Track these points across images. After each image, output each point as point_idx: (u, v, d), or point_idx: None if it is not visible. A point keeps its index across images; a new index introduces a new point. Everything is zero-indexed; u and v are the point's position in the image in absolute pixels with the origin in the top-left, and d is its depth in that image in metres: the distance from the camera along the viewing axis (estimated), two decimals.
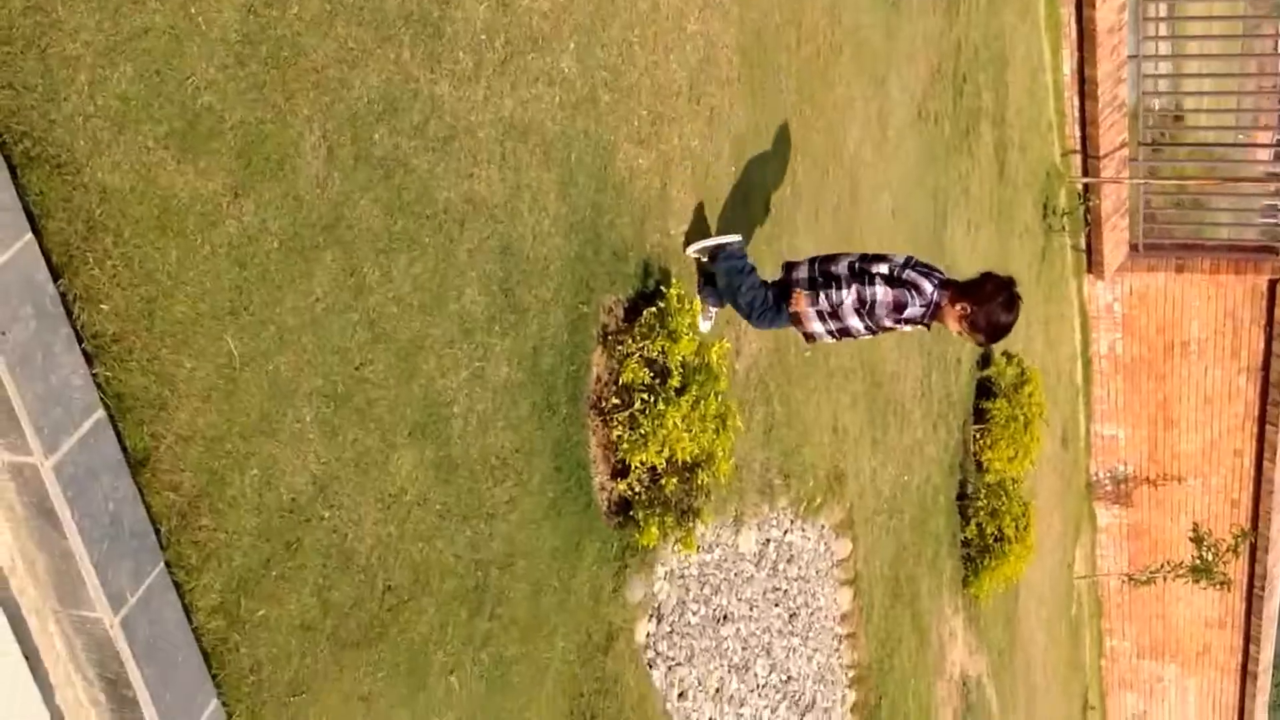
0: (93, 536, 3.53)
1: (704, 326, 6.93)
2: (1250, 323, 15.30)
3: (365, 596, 4.74)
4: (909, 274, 6.49)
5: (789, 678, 8.22)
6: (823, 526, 8.64)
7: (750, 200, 7.48)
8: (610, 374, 6.17)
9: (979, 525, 11.11)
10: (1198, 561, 15.72)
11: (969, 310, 6.38)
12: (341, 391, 4.53)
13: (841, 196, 8.79)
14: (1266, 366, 15.52)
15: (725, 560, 7.37)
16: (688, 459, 6.22)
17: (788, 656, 8.19)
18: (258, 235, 4.10)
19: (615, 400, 6.10)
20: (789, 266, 6.81)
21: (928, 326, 6.64)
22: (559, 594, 5.88)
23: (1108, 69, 14.20)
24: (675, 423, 6.07)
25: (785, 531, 8.12)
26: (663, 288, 6.25)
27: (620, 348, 6.11)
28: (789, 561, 8.16)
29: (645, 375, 6.08)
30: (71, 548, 3.49)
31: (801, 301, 6.61)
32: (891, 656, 9.67)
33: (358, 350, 4.59)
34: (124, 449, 3.69)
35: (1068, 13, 13.75)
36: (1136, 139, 14.99)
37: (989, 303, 6.38)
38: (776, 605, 8.01)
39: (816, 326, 6.67)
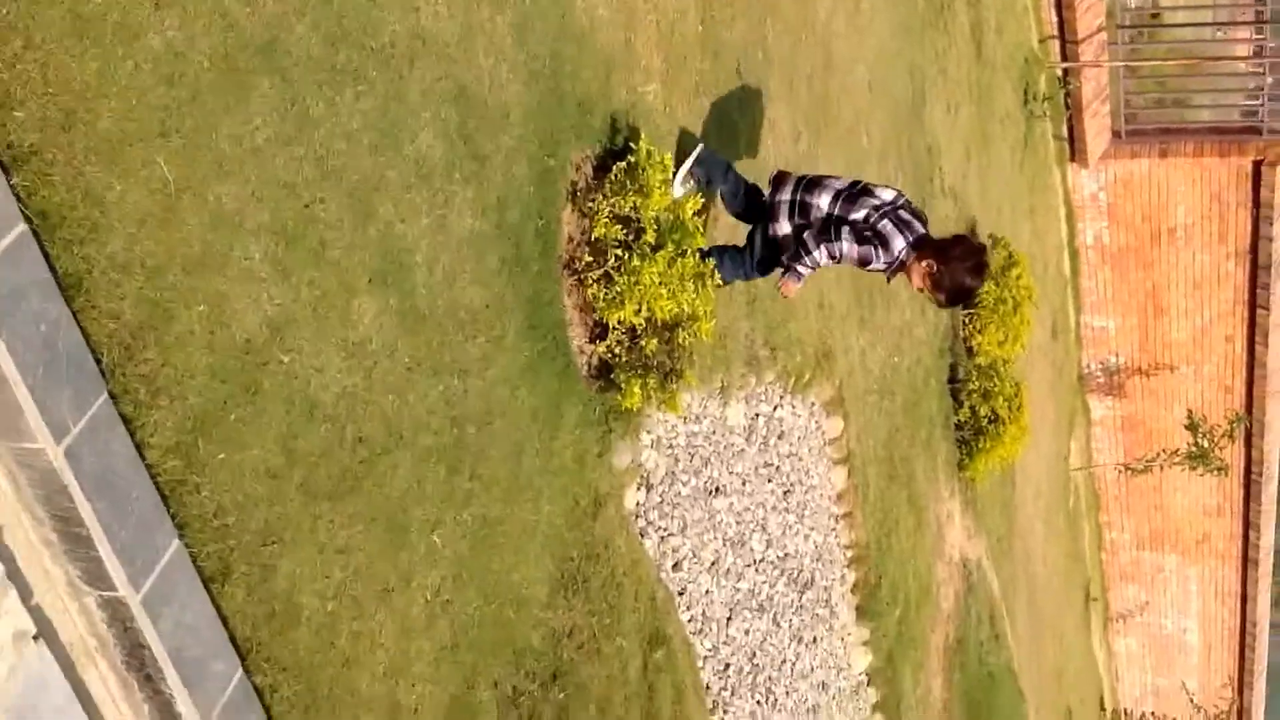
0: (25, 360, 3.28)
1: (677, 191, 6.66)
2: (1237, 205, 15.02)
3: (334, 447, 4.50)
4: (884, 225, 6.28)
5: (786, 554, 8.01)
6: (813, 404, 8.41)
7: (720, 61, 7.21)
8: (582, 233, 5.92)
9: (972, 408, 10.89)
10: (1193, 448, 15.51)
11: (934, 269, 6.24)
12: (292, 229, 4.28)
13: (815, 66, 8.52)
14: (1255, 249, 15.26)
15: (714, 432, 7.14)
16: (667, 318, 5.98)
17: (784, 533, 7.98)
18: (185, 52, 3.84)
19: (589, 258, 5.85)
20: (777, 183, 6.58)
21: (889, 279, 6.49)
22: (541, 456, 5.64)
23: None
24: (652, 279, 5.82)
25: (775, 407, 7.89)
26: (632, 144, 5.98)
27: (591, 205, 5.85)
28: (780, 438, 7.94)
29: (618, 231, 5.83)
30: (4, 371, 3.24)
31: (789, 286, 6.58)
32: (889, 537, 9.46)
33: (306, 187, 4.34)
34: (53, 270, 3.43)
35: None
36: (1115, 23, 14.69)
37: (956, 264, 6.24)
38: (769, 481, 7.79)
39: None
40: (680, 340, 6.04)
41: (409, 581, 4.87)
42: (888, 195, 6.41)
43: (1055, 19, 14.17)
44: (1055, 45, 14.32)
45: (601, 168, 6.01)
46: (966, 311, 11.35)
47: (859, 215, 6.31)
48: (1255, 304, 15.58)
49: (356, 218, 4.57)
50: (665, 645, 6.35)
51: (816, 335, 8.36)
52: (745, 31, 7.52)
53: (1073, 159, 15.07)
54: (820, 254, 6.38)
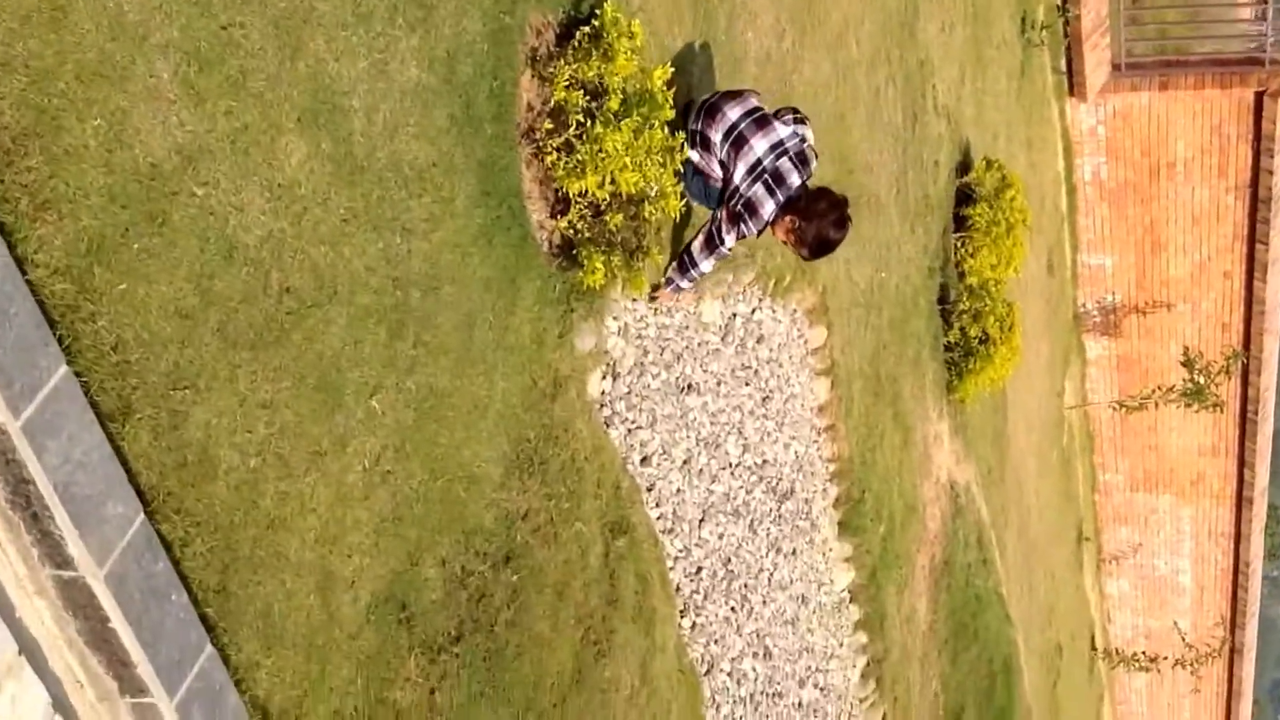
0: None
1: (685, 285, 6.44)
2: (1237, 139, 14.54)
3: (258, 294, 4.11)
4: (755, 190, 6.07)
5: (764, 461, 7.62)
6: (794, 311, 8.00)
7: None
8: (542, 103, 5.51)
9: (962, 329, 10.47)
10: (1189, 385, 15.08)
11: (796, 224, 6.15)
12: (206, 52, 3.88)
13: None
14: (1255, 183, 14.79)
15: (687, 327, 6.74)
16: (632, 191, 5.57)
17: (761, 439, 7.58)
18: None
19: (548, 125, 5.44)
20: (687, 108, 6.31)
21: (757, 234, 6.27)
22: (495, 330, 5.25)
23: None
24: (616, 149, 5.41)
25: (753, 309, 7.49)
26: (597, 10, 5.57)
27: (551, 71, 5.44)
28: (759, 342, 7.54)
29: (580, 97, 5.42)
30: None
31: (665, 295, 6.44)
32: (873, 452, 9.07)
33: (223, 7, 3.93)
34: None
35: None
36: None
37: (819, 219, 6.15)
38: (746, 385, 7.39)
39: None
40: (646, 215, 5.64)
41: (344, 446, 4.49)
42: (783, 132, 6.16)
43: None
44: None
45: (565, 37, 5.59)
46: (958, 235, 10.93)
47: (742, 169, 6.07)
48: (1255, 239, 15.13)
49: (283, 50, 4.17)
50: (628, 534, 5.97)
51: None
52: None
53: (1071, 93, 14.59)
54: (707, 265, 6.24)
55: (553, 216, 5.61)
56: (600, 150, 5.40)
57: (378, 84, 4.58)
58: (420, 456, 4.86)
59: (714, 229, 6.12)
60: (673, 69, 5.86)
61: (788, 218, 6.14)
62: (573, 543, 5.62)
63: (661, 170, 5.70)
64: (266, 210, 4.13)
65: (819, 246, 6.25)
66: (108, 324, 3.58)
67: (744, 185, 6.06)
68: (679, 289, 6.36)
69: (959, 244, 10.87)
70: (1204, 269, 15.57)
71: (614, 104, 5.44)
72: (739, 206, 6.06)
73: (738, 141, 6.07)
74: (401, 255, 4.73)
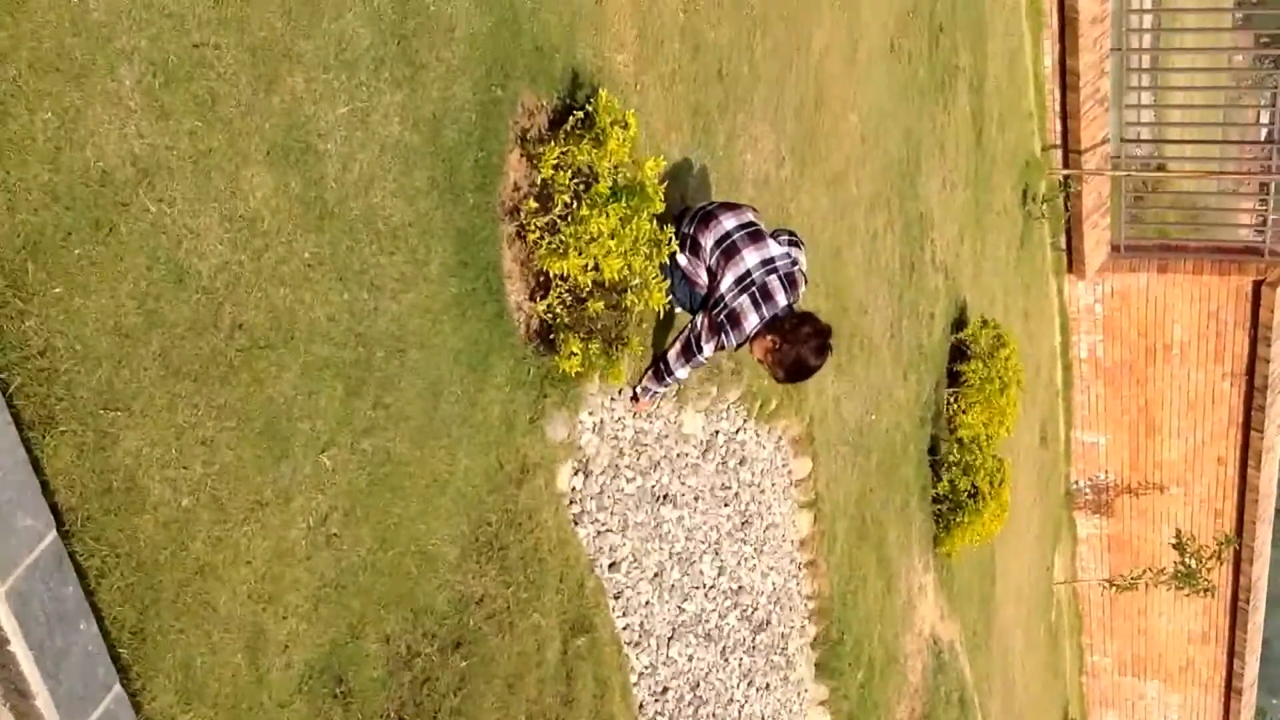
0: None
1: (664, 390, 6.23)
2: (1234, 325, 14.38)
3: (207, 325, 3.86)
4: (741, 303, 5.82)
5: (740, 587, 7.27)
6: (779, 438, 7.73)
7: (701, 58, 6.66)
8: (529, 184, 5.32)
9: (951, 481, 10.17)
10: (1181, 567, 14.69)
11: (777, 344, 5.84)
12: (175, 67, 3.69)
13: (805, 98, 7.97)
14: (1251, 370, 14.59)
15: (666, 436, 6.46)
16: (615, 279, 5.35)
17: (739, 564, 7.25)
18: None
19: (533, 204, 5.24)
20: (681, 214, 6.07)
21: (736, 347, 6.02)
22: (462, 405, 4.98)
23: (1090, 60, 13.42)
24: (601, 232, 5.20)
25: (737, 430, 7.21)
26: (591, 100, 5.41)
27: (540, 152, 5.26)
28: (741, 463, 7.25)
29: (567, 178, 5.23)
30: None
31: (642, 404, 6.25)
32: (855, 594, 8.70)
33: (197, 25, 3.75)
34: None
35: (1050, 4, 13.02)
36: (1119, 134, 14.18)
37: (800, 343, 5.85)
38: (726, 505, 7.09)
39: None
40: (628, 304, 5.41)
41: (288, 500, 4.19)
42: (775, 250, 5.94)
43: (1059, 127, 13.69)
44: (1058, 154, 13.82)
45: (557, 123, 5.42)
46: (952, 390, 10.69)
47: (730, 279, 5.82)
48: (1249, 426, 14.88)
49: (258, 80, 3.98)
50: (590, 634, 5.62)
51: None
52: (731, 37, 6.98)
53: (1070, 270, 14.49)
54: (683, 372, 6.00)
55: (532, 299, 5.38)
56: (585, 232, 5.19)
57: (356, 133, 4.38)
58: (370, 524, 4.56)
59: (692, 337, 5.88)
60: (665, 163, 5.67)
61: (769, 337, 5.87)
62: (529, 635, 5.27)
63: (647, 262, 5.49)
64: (225, 240, 3.90)
65: (795, 370, 5.95)
66: (37, 325, 3.33)
67: (730, 295, 5.83)
68: (656, 395, 6.10)
69: (952, 399, 10.63)
70: (1198, 453, 15.29)
71: (602, 188, 5.25)
72: (722, 316, 5.82)
73: (729, 250, 5.86)
74: (367, 311, 4.49)
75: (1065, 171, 13.61)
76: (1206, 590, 14.66)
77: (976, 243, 11.45)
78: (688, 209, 6.13)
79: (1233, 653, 16.11)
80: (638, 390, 6.08)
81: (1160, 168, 16.86)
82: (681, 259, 5.89)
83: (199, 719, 3.86)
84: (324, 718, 4.34)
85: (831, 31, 8.33)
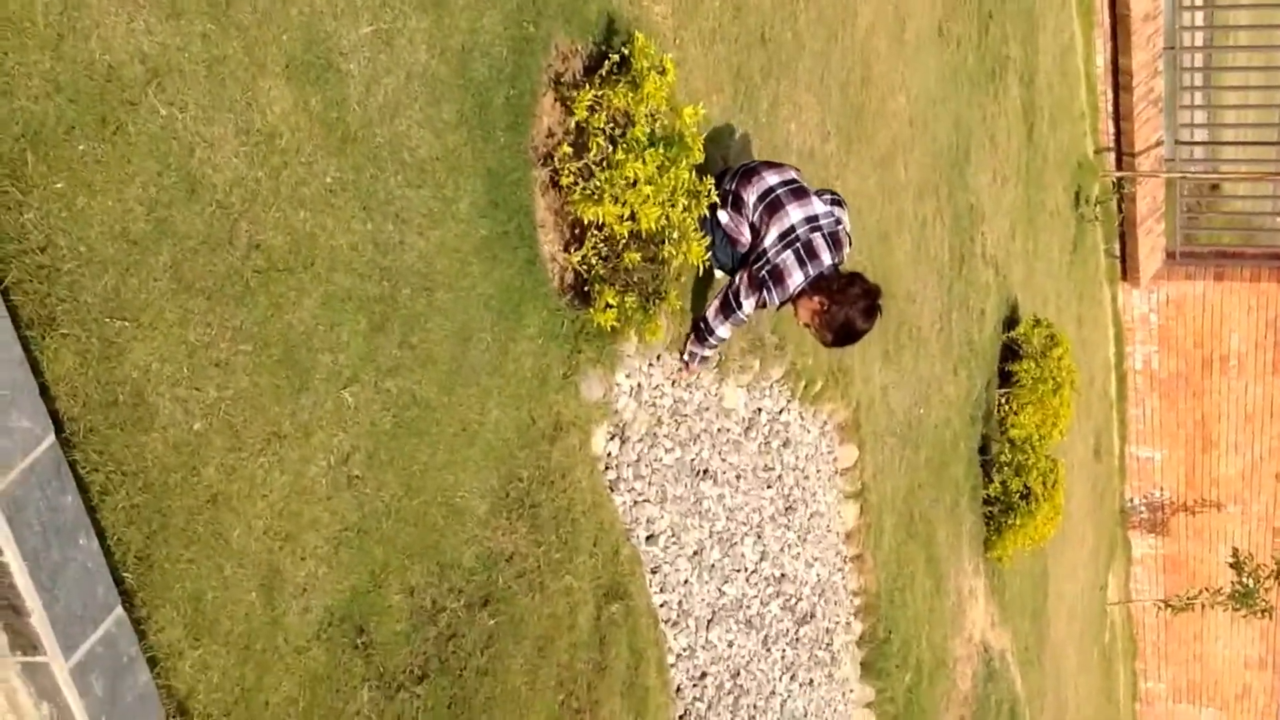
0: None
1: (718, 273, 6.05)
2: None
3: (222, 241, 3.70)
4: (785, 259, 5.61)
5: (783, 575, 7.05)
6: (825, 423, 7.51)
7: (743, 20, 6.49)
8: (564, 129, 5.15)
9: (1003, 483, 9.91)
10: (1238, 587, 14.31)
11: (825, 305, 5.63)
12: None
13: (852, 75, 7.79)
14: None
15: (708, 409, 6.26)
16: (653, 229, 5.17)
17: (782, 550, 7.03)
18: None
19: (567, 148, 5.07)
20: (722, 174, 5.86)
21: (778, 306, 5.78)
22: (492, 353, 4.80)
23: (1143, 59, 13.21)
24: (637, 177, 5.03)
25: (781, 410, 7.01)
26: (627, 45, 5.24)
27: (575, 95, 5.09)
28: (785, 445, 7.04)
29: (602, 120, 5.06)
30: None
31: (688, 371, 6.02)
32: (903, 593, 8.46)
33: None
34: None
35: (1101, 1, 12.81)
36: (1174, 137, 13.93)
37: (848, 305, 5.65)
38: (769, 487, 6.87)
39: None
40: (665, 256, 5.22)
41: (308, 435, 4.02)
42: (819, 208, 5.74)
43: (1113, 129, 13.46)
44: (1111, 158, 13.59)
45: (592, 69, 5.25)
46: (1003, 390, 10.44)
47: (774, 234, 5.62)
48: None
49: None
50: (624, 601, 5.41)
51: (832, 349, 7.48)
52: (774, 2, 6.81)
53: (1124, 277, 14.22)
54: (724, 330, 5.77)
55: (566, 250, 5.21)
56: (620, 178, 5.01)
57: (380, 56, 4.23)
58: (395, 469, 4.37)
59: (731, 293, 5.68)
60: (704, 114, 5.49)
61: (816, 298, 5.67)
62: (561, 597, 5.07)
63: (685, 214, 5.31)
64: (240, 154, 3.74)
65: (844, 333, 5.76)
66: (37, 219, 3.17)
67: (773, 251, 5.63)
68: (702, 360, 5.90)
69: (1004, 399, 10.38)
70: (1256, 469, 14.94)
71: (639, 132, 5.08)
72: (764, 272, 5.62)
73: (773, 205, 5.68)
74: (393, 244, 4.32)
75: (1119, 174, 13.37)
76: (1265, 611, 14.27)
77: (1029, 241, 11.22)
78: (729, 168, 5.95)
79: None
80: (685, 356, 5.89)
81: (1215, 171, 16.61)
82: (723, 216, 5.70)
83: (208, 656, 3.67)
84: (344, 669, 4.15)
85: (878, 8, 8.16)
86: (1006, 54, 10.57)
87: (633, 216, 5.14)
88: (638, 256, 5.19)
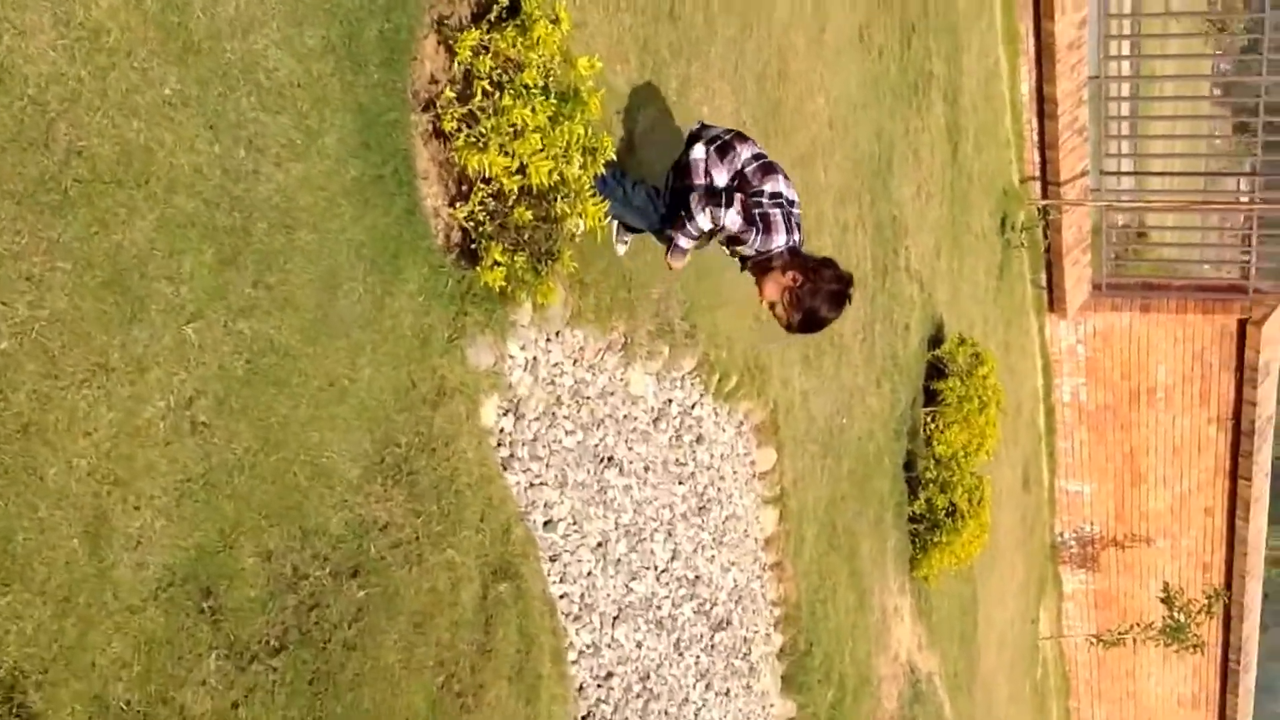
0: None
1: (620, 250, 5.60)
2: (1220, 367, 13.77)
3: (36, 141, 3.24)
4: (774, 213, 5.24)
5: (697, 576, 6.58)
6: (741, 422, 7.08)
7: None
8: (449, 78, 4.72)
9: (928, 500, 9.50)
10: (1170, 622, 13.93)
11: (797, 281, 5.18)
12: None
13: (768, 68, 7.42)
14: (1237, 415, 13.97)
15: (612, 394, 5.82)
16: (545, 183, 4.73)
17: (696, 550, 6.56)
18: None
19: (450, 93, 4.64)
20: (693, 137, 5.43)
21: (744, 268, 5.37)
22: (364, 305, 4.35)
23: (1068, 88, 12.95)
24: (526, 124, 4.60)
25: (694, 404, 6.57)
26: None
27: (461, 39, 4.66)
28: (698, 441, 6.59)
29: (488, 63, 4.64)
30: None
31: (676, 259, 5.47)
32: (825, 604, 8.00)
33: None
34: None
35: (1026, 27, 12.56)
36: (1099, 167, 13.68)
37: (822, 285, 5.21)
38: (680, 483, 6.42)
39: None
40: (558, 213, 4.78)
41: (141, 370, 3.54)
42: (790, 193, 5.34)
43: (1038, 158, 13.19)
44: (1036, 186, 13.31)
45: (479, 16, 4.83)
46: (929, 409, 10.05)
47: (768, 189, 5.30)
48: (1236, 474, 14.22)
49: None
50: (514, 582, 4.92)
51: (748, 344, 7.07)
52: None
53: (1051, 308, 13.91)
54: (704, 218, 5.24)
55: (451, 205, 4.76)
56: (507, 125, 4.59)
57: None
58: (249, 419, 3.90)
59: (719, 194, 5.22)
60: (600, 64, 5.07)
61: (789, 273, 5.21)
62: (442, 571, 4.58)
63: (582, 172, 4.88)
64: (59, 47, 3.29)
65: (810, 318, 5.29)
66: None
67: (768, 201, 5.22)
68: (682, 251, 5.40)
69: (929, 418, 9.98)
70: (1184, 503, 14.62)
71: (529, 77, 4.66)
72: (757, 212, 5.19)
73: (768, 167, 5.36)
74: (245, 172, 3.86)
75: (1044, 202, 13.09)
76: (1196, 647, 13.91)
77: (954, 261, 10.87)
78: (706, 128, 5.49)
79: (1223, 717, 15.32)
80: (668, 250, 5.42)
81: (1142, 201, 16.36)
82: (699, 151, 5.26)
83: (18, 604, 3.18)
84: (187, 634, 3.65)
85: (795, 4, 7.81)
86: (930, 69, 10.27)
87: (523, 170, 4.71)
88: (528, 214, 4.76)
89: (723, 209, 5.17)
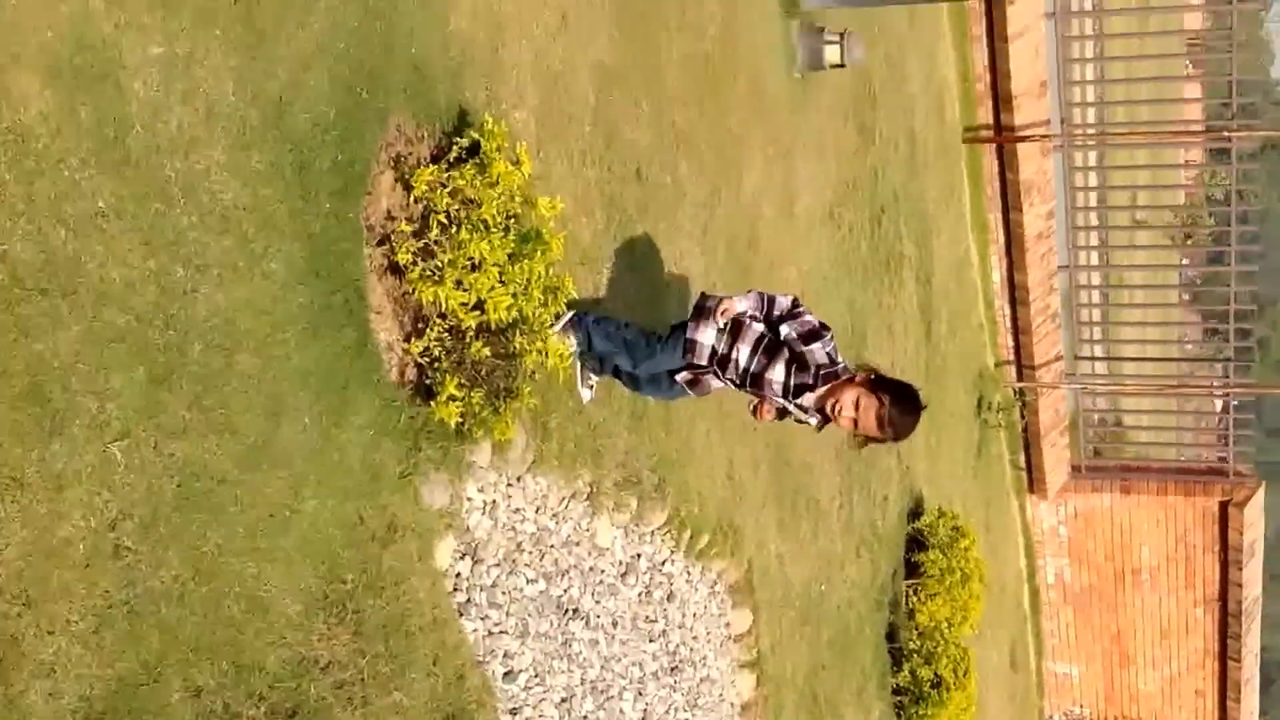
0: None
1: (585, 396, 5.39)
2: (1203, 549, 13.39)
3: None
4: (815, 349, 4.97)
5: None
6: (715, 583, 6.74)
7: (616, 149, 5.99)
8: (405, 213, 4.54)
9: (913, 671, 9.07)
10: None
11: (884, 400, 4.86)
12: None
13: (738, 235, 7.29)
14: (1224, 596, 13.55)
15: (578, 544, 5.51)
16: (503, 318, 4.51)
17: (669, 712, 6.17)
18: None
19: (406, 226, 4.45)
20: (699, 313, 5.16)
21: (821, 419, 5.02)
22: (311, 436, 4.08)
23: (1038, 276, 12.88)
24: (484, 257, 4.40)
25: (664, 560, 6.24)
26: (477, 128, 4.68)
27: (418, 174, 4.49)
28: (669, 599, 6.25)
29: (444, 197, 4.46)
30: None
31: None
32: None
33: None
34: None
35: (994, 218, 12.53)
36: (1073, 351, 13.51)
37: (903, 400, 4.92)
38: (651, 640, 6.06)
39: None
40: (515, 345, 4.55)
41: (59, 488, 3.27)
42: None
43: (1012, 343, 13.04)
44: (1011, 370, 13.14)
45: (438, 158, 4.67)
46: (910, 581, 9.67)
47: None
48: (1226, 655, 13.74)
49: None
50: None
51: (720, 501, 6.78)
52: (652, 142, 6.33)
53: (1031, 490, 13.60)
54: (705, 334, 5.02)
55: (407, 340, 4.53)
56: (463, 258, 4.38)
57: (174, 82, 3.62)
58: (179, 546, 3.60)
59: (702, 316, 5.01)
60: (562, 205, 4.89)
61: (878, 394, 4.90)
62: (389, 715, 4.21)
63: (542, 309, 4.67)
64: None
65: (904, 427, 5.00)
66: None
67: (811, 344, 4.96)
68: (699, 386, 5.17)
69: (911, 590, 9.60)
70: (1175, 685, 14.09)
71: (486, 212, 4.47)
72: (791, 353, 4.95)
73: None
74: (182, 291, 3.64)
75: (1020, 384, 12.89)
76: None
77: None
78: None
79: None
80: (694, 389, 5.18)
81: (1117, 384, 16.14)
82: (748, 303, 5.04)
83: None
84: None
85: (765, 178, 7.72)
86: (901, 251, 10.16)
87: (480, 307, 4.50)
88: (486, 350, 4.53)
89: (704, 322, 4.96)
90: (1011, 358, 13.02)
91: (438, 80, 4.74)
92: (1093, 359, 13.86)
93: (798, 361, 4.92)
